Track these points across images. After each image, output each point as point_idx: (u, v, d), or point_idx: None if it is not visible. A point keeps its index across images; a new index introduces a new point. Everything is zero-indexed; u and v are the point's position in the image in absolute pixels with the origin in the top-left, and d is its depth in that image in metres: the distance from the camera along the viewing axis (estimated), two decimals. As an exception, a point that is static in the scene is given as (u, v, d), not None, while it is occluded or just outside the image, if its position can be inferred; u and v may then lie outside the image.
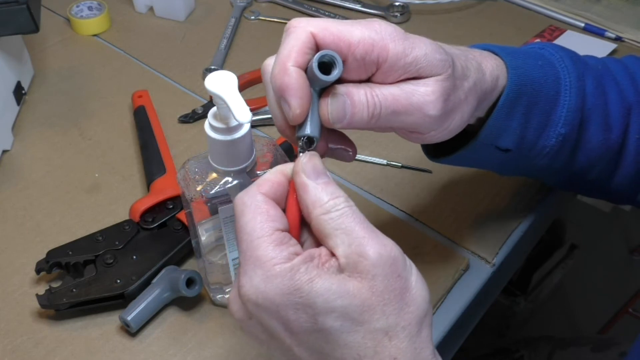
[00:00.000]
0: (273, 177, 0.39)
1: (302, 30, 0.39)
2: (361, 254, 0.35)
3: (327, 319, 0.35)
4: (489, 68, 0.46)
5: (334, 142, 0.45)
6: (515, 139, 0.49)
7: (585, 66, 0.52)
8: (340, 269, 0.36)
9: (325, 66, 0.39)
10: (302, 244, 0.39)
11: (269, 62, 0.42)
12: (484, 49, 0.49)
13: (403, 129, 0.43)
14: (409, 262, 0.37)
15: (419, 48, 0.41)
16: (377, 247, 0.35)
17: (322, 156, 0.45)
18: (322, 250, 0.37)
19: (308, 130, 0.40)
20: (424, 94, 0.41)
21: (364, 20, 0.41)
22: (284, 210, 0.39)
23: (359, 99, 0.40)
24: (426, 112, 0.41)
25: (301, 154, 0.39)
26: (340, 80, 0.40)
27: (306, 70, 0.39)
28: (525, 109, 0.48)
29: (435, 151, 0.53)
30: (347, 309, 0.35)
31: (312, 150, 0.40)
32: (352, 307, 0.35)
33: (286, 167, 0.40)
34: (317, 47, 0.40)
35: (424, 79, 0.41)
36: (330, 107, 0.40)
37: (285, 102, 0.39)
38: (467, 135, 0.49)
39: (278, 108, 0.41)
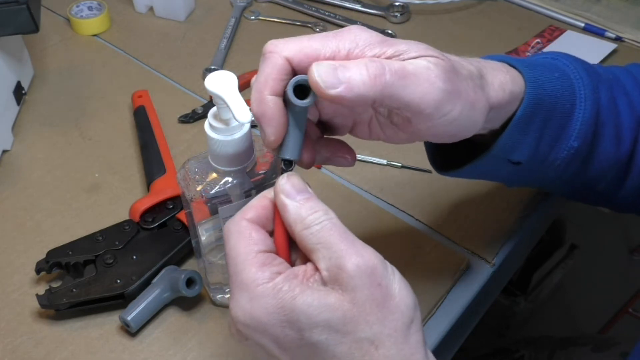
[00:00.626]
0: (257, 202, 0.41)
1: (277, 56, 0.40)
2: (340, 266, 0.36)
3: (312, 334, 0.36)
4: (497, 78, 0.45)
5: (332, 151, 0.46)
6: (528, 153, 0.48)
7: (598, 77, 0.51)
8: (324, 282, 0.37)
9: (302, 89, 0.39)
10: (293, 263, 0.40)
11: (254, 80, 0.43)
12: (500, 60, 0.48)
13: (409, 106, 0.40)
14: (390, 269, 0.37)
15: (399, 44, 0.40)
16: (355, 258, 0.36)
17: (312, 166, 0.46)
18: (308, 266, 0.38)
19: (286, 153, 0.41)
20: (426, 66, 0.40)
21: (341, 30, 0.41)
22: (272, 233, 0.40)
23: (355, 64, 0.38)
24: (433, 83, 0.39)
25: (280, 177, 0.40)
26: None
27: (284, 96, 0.40)
28: (542, 122, 0.47)
29: (442, 164, 0.53)
30: (330, 322, 0.36)
31: (291, 169, 0.41)
32: (334, 319, 0.36)
33: (269, 192, 0.41)
34: (294, 72, 0.40)
35: (421, 57, 0.40)
36: (317, 70, 0.38)
37: (261, 129, 0.41)
38: (477, 148, 0.49)
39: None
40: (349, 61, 0.39)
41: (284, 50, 0.40)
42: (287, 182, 0.39)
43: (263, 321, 0.36)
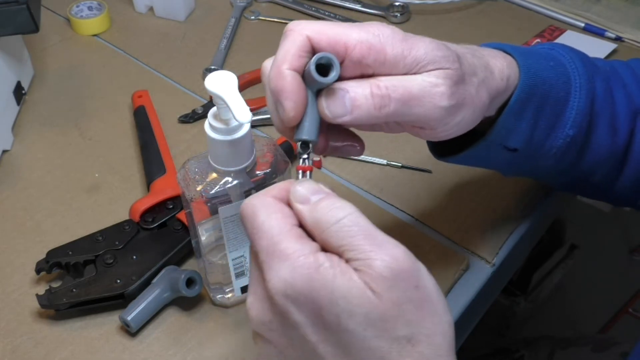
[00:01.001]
0: (279, 184, 0.39)
1: (298, 34, 0.39)
2: (370, 266, 0.34)
3: (349, 321, 0.34)
4: (497, 66, 0.46)
5: (339, 140, 0.45)
6: (524, 139, 0.49)
7: (594, 68, 0.52)
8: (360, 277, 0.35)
9: (323, 68, 0.39)
10: None
11: (268, 63, 0.42)
12: (495, 48, 0.49)
13: (414, 122, 0.42)
14: (423, 269, 0.36)
15: (418, 48, 0.40)
16: (385, 259, 0.34)
17: (324, 155, 0.45)
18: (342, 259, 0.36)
19: (303, 134, 0.40)
20: (433, 84, 0.40)
21: (362, 23, 0.41)
22: None
23: (361, 91, 0.39)
24: (437, 103, 0.40)
25: (296, 183, 0.38)
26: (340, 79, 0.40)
27: (303, 73, 0.40)
28: (536, 109, 0.48)
29: (441, 150, 0.53)
30: (369, 316, 0.34)
31: (309, 152, 0.40)
32: (373, 315, 0.34)
33: (287, 182, 0.40)
34: (314, 51, 0.40)
35: (432, 71, 0.41)
36: (326, 102, 0.39)
37: (280, 104, 0.39)
38: (475, 134, 0.49)
39: (275, 110, 0.41)
40: (356, 84, 0.39)
41: (305, 28, 0.40)
42: (300, 187, 0.38)
43: (304, 293, 0.34)
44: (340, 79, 0.40)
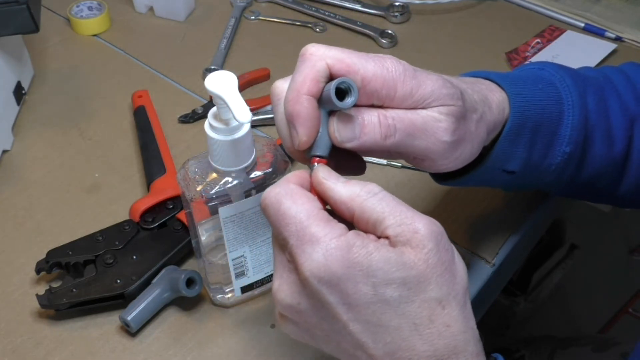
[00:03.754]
0: (295, 173, 0.41)
1: (318, 59, 0.41)
2: (415, 230, 0.36)
3: (386, 290, 0.36)
4: (495, 101, 0.47)
5: (345, 163, 0.46)
6: (521, 162, 0.50)
7: (585, 82, 0.52)
8: (393, 246, 0.37)
9: (341, 92, 0.40)
10: None
11: (278, 84, 0.43)
12: (482, 77, 0.50)
13: (416, 154, 0.44)
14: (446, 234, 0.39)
15: (426, 85, 0.42)
16: (427, 222, 0.37)
17: None
18: (370, 235, 0.38)
19: (316, 150, 0.41)
20: (437, 119, 0.42)
21: (377, 55, 0.42)
22: None
23: (369, 119, 0.41)
24: (439, 138, 0.42)
25: (315, 166, 0.41)
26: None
27: (320, 95, 0.41)
28: (530, 133, 0.49)
29: (441, 175, 0.54)
30: (405, 280, 0.36)
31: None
32: (410, 277, 0.36)
33: (301, 171, 0.41)
34: (331, 77, 0.41)
35: (436, 107, 0.42)
36: (337, 126, 0.41)
37: (294, 129, 0.41)
38: (473, 161, 0.49)
39: (287, 131, 0.42)
40: (366, 111, 0.41)
41: (326, 54, 0.41)
42: (324, 170, 0.40)
43: (338, 274, 0.36)
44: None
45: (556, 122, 0.50)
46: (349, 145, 0.41)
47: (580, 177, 0.54)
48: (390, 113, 0.41)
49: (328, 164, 0.43)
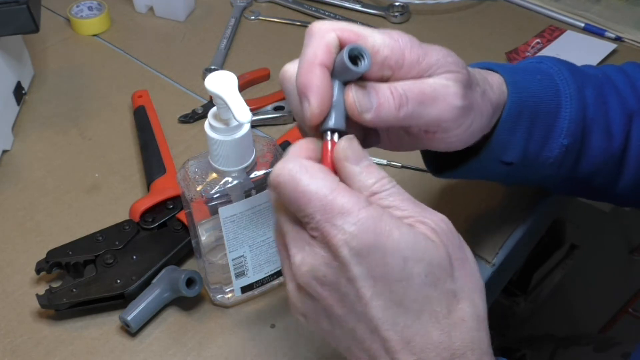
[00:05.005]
0: (300, 143, 0.40)
1: (326, 31, 0.40)
2: (423, 222, 0.37)
3: (415, 267, 0.35)
4: (494, 82, 0.48)
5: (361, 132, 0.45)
6: (519, 153, 0.50)
7: (584, 76, 0.53)
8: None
9: (352, 60, 0.39)
10: None
11: (288, 67, 0.43)
12: (481, 67, 0.50)
13: (428, 125, 0.43)
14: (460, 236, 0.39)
15: (432, 54, 0.42)
16: (436, 217, 0.37)
17: None
18: None
19: (332, 122, 0.40)
20: (445, 85, 0.42)
21: (381, 29, 0.42)
22: None
23: (382, 91, 0.40)
24: (450, 102, 0.42)
25: (341, 139, 0.39)
26: (362, 80, 0.41)
27: (333, 66, 0.40)
28: (528, 123, 0.49)
29: (438, 167, 0.54)
30: (432, 262, 0.35)
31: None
32: (435, 260, 0.36)
33: (309, 142, 0.40)
34: (342, 48, 0.40)
35: (442, 74, 0.42)
36: (356, 95, 0.40)
37: (306, 99, 0.39)
38: (471, 151, 0.50)
39: (300, 106, 0.41)
40: (378, 85, 0.40)
41: (333, 27, 0.40)
42: (349, 147, 0.39)
43: (371, 243, 0.35)
44: (363, 79, 0.41)
45: (554, 113, 0.50)
46: (367, 116, 0.40)
47: (578, 172, 0.54)
48: (400, 84, 0.41)
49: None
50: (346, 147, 0.38)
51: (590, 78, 0.53)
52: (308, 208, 0.36)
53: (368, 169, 0.38)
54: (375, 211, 0.36)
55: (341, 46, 0.40)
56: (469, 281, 0.37)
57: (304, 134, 0.44)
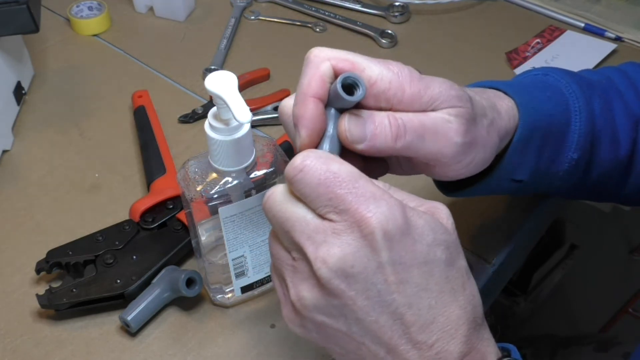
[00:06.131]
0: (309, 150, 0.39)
1: (321, 60, 0.40)
2: (436, 206, 0.39)
3: (437, 251, 0.36)
4: (504, 107, 0.47)
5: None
6: (529, 171, 0.50)
7: (590, 87, 0.52)
8: None
9: (348, 89, 0.39)
10: None
11: (286, 102, 0.43)
12: (489, 87, 0.49)
13: (427, 158, 0.43)
14: None
15: (434, 87, 0.41)
16: (441, 205, 0.39)
17: None
18: None
19: (326, 148, 0.40)
20: (447, 120, 0.41)
21: (384, 60, 0.42)
22: None
23: (380, 119, 0.40)
24: (450, 139, 0.41)
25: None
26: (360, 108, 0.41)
27: (329, 95, 0.40)
28: (539, 142, 0.49)
29: (447, 185, 0.54)
30: (448, 243, 0.37)
31: None
32: (450, 241, 0.37)
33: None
34: (337, 77, 0.40)
35: (445, 109, 0.42)
36: (348, 125, 0.40)
37: (297, 130, 0.40)
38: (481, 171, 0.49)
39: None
40: (376, 114, 0.40)
41: (329, 56, 0.41)
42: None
43: (402, 228, 0.35)
44: (360, 107, 0.41)
45: (564, 129, 0.50)
46: (359, 146, 0.40)
47: (587, 181, 0.54)
48: (400, 115, 0.41)
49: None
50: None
51: (595, 87, 0.53)
52: (340, 189, 0.36)
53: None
54: (398, 200, 0.36)
55: (336, 75, 0.40)
56: (466, 264, 0.39)
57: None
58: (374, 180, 0.37)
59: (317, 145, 0.40)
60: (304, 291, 0.37)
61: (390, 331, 0.36)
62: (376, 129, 0.40)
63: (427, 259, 0.36)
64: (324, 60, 0.40)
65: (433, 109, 0.41)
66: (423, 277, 0.36)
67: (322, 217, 0.36)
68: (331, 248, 0.36)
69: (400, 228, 0.35)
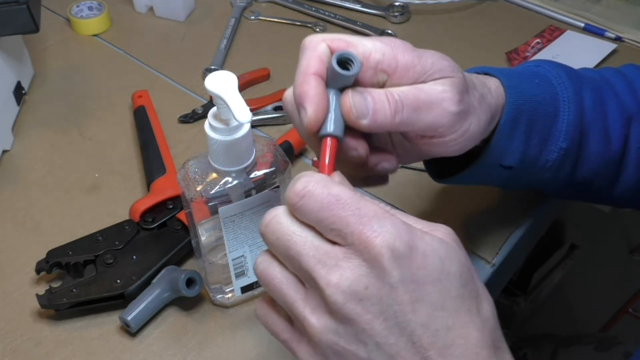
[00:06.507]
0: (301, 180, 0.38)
1: (317, 43, 0.41)
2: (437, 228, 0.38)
3: (452, 266, 0.35)
4: (492, 86, 0.48)
5: (375, 154, 0.45)
6: (518, 157, 0.50)
7: (581, 80, 0.53)
8: None
9: (343, 66, 0.40)
10: None
11: (288, 91, 0.44)
12: (479, 72, 0.50)
13: (424, 131, 0.43)
14: None
15: (426, 57, 0.42)
16: (446, 228, 0.38)
17: (365, 161, 0.45)
18: None
19: (329, 128, 0.40)
20: (441, 91, 0.42)
21: (375, 36, 0.42)
22: None
23: (379, 96, 0.41)
24: (446, 108, 0.42)
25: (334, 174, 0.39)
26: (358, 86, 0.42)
27: (327, 75, 0.41)
28: (526, 127, 0.49)
29: (438, 172, 0.54)
30: (462, 263, 0.36)
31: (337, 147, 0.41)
32: (463, 261, 0.36)
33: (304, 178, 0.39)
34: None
35: (438, 80, 0.42)
36: (352, 100, 0.40)
37: (302, 108, 0.40)
38: (471, 157, 0.50)
39: (299, 117, 0.42)
40: (374, 91, 0.41)
41: (324, 37, 0.42)
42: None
43: (411, 244, 0.35)
44: (359, 85, 0.42)
45: (552, 117, 0.50)
46: (363, 122, 0.40)
47: (577, 176, 0.54)
48: (396, 90, 0.41)
49: (361, 150, 0.43)
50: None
51: (588, 81, 0.53)
52: (343, 211, 0.35)
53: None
54: (401, 221, 0.36)
55: (333, 54, 0.41)
56: (481, 283, 0.38)
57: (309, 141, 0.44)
58: (375, 202, 0.37)
59: (322, 122, 0.40)
60: (320, 319, 0.36)
61: (409, 354, 0.35)
62: (376, 104, 0.41)
63: (440, 276, 0.35)
64: (320, 42, 0.41)
65: (426, 79, 0.42)
66: (438, 295, 0.35)
67: (330, 241, 0.36)
68: (343, 272, 0.35)
69: (408, 244, 0.35)
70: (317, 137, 0.41)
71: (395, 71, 0.42)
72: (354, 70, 0.40)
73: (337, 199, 0.36)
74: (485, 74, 0.50)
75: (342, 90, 0.41)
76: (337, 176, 0.39)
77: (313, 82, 0.40)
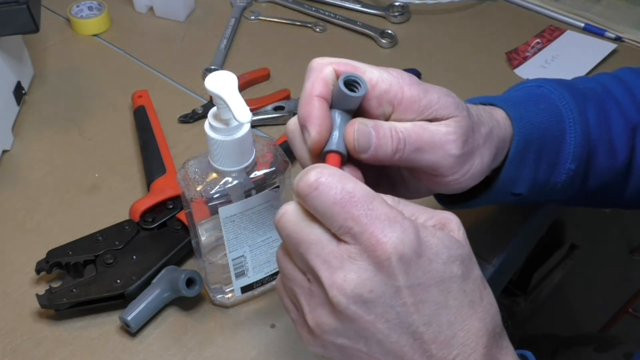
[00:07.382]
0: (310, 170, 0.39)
1: (323, 66, 0.42)
2: (447, 217, 0.38)
3: (453, 267, 0.36)
4: (500, 118, 0.48)
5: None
6: (528, 184, 0.50)
7: (584, 97, 0.53)
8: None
9: (350, 88, 0.40)
10: None
11: (291, 120, 0.44)
12: (482, 103, 0.50)
13: (426, 169, 0.43)
14: None
15: (432, 93, 0.42)
16: (451, 215, 0.39)
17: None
18: None
19: (332, 145, 0.41)
20: (445, 132, 0.42)
21: (383, 67, 0.43)
22: None
23: (383, 131, 0.41)
24: (448, 151, 0.42)
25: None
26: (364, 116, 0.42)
27: (332, 97, 0.41)
28: (535, 155, 0.49)
29: (448, 200, 0.54)
30: (463, 257, 0.37)
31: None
32: (464, 255, 0.37)
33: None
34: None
35: (443, 120, 0.42)
36: (356, 133, 0.41)
37: (306, 130, 0.41)
38: (481, 184, 0.49)
39: (301, 140, 0.42)
40: (380, 125, 0.41)
41: (331, 61, 0.42)
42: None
43: (418, 251, 0.35)
44: (365, 116, 0.42)
45: (559, 141, 0.50)
46: (364, 155, 0.41)
47: (585, 189, 0.54)
48: (400, 127, 0.41)
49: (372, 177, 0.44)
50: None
51: (590, 97, 0.53)
52: (356, 210, 0.35)
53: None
54: (412, 223, 0.36)
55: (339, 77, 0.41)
56: (480, 271, 0.39)
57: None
58: (386, 198, 0.37)
59: (326, 143, 0.41)
60: (322, 317, 0.37)
61: (411, 350, 0.36)
62: (379, 140, 0.41)
63: (443, 277, 0.36)
64: (326, 65, 0.41)
65: (430, 114, 0.42)
66: (441, 295, 0.36)
67: (337, 238, 0.36)
68: (348, 274, 0.35)
69: (416, 251, 0.35)
70: (320, 158, 0.41)
71: (400, 103, 0.41)
72: (360, 92, 0.40)
73: (350, 196, 0.35)
74: (490, 104, 0.50)
75: (347, 111, 0.41)
76: (349, 170, 0.40)
77: (317, 103, 0.40)
